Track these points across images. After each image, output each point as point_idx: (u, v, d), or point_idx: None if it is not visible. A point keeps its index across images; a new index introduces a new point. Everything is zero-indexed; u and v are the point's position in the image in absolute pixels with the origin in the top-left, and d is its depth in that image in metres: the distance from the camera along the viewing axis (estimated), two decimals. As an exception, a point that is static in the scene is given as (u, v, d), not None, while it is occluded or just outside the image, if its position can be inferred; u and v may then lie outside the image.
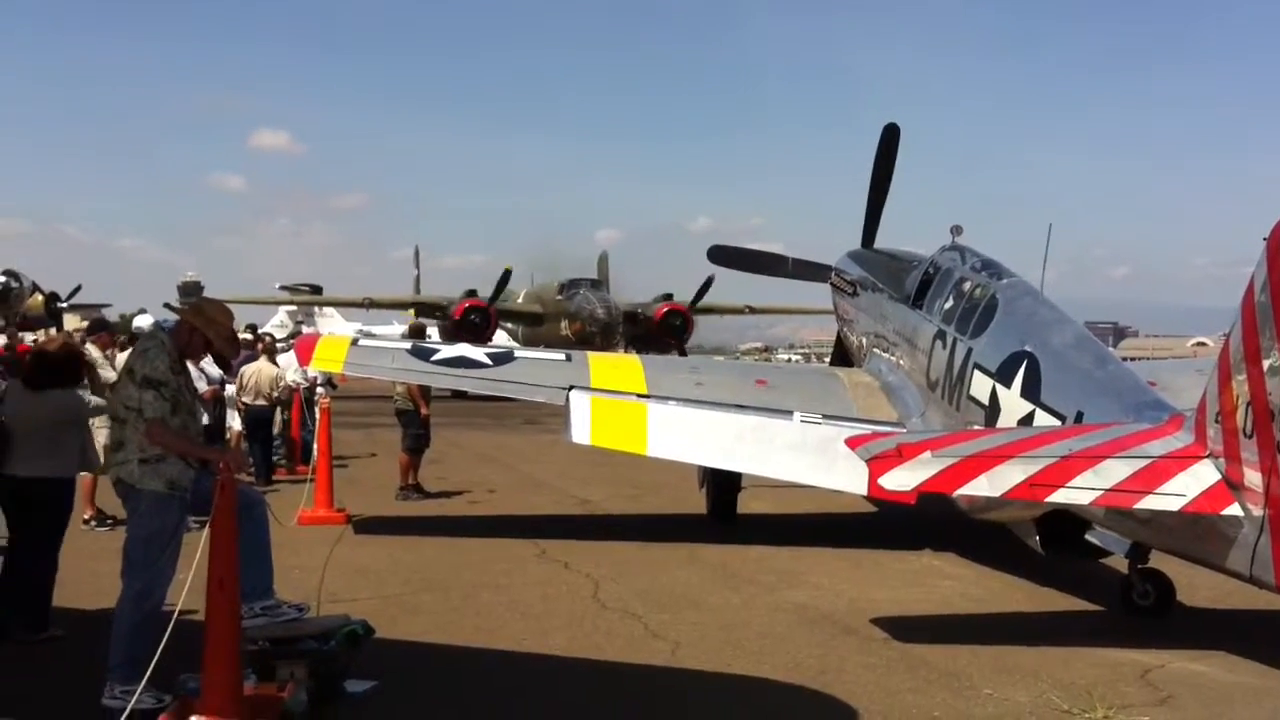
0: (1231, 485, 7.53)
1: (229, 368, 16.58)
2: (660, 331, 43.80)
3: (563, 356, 13.28)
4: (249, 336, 21.14)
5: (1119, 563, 9.58)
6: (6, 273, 46.33)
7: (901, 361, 13.15)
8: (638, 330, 44.35)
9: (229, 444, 16.40)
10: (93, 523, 12.44)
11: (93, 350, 12.63)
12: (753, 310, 51.40)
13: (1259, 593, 7.76)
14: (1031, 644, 8.35)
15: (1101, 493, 7.81)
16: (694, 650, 8.20)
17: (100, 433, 10.06)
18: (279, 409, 18.01)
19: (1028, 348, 10.33)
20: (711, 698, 7.37)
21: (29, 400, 8.51)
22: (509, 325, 45.63)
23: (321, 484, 13.91)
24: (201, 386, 12.56)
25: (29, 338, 28.51)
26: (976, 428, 10.37)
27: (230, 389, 16.83)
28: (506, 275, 41.50)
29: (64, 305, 49.84)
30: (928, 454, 8.11)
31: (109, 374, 11.45)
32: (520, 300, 45.55)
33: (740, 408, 11.78)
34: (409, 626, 8.68)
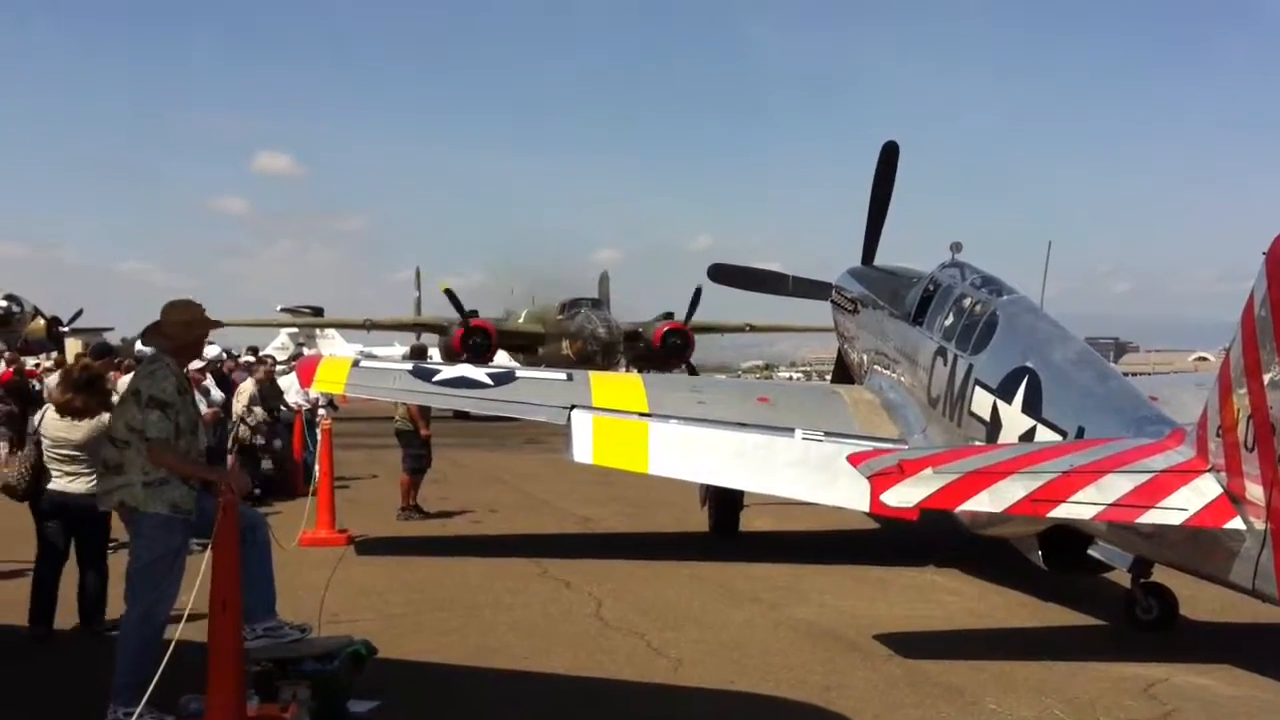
0: (1233, 499, 7.53)
1: (231, 388, 16.66)
2: (661, 351, 43.78)
3: (564, 376, 13.30)
4: (251, 359, 21.19)
5: (1122, 577, 9.58)
6: (8, 297, 46.42)
7: (902, 378, 13.16)
8: (639, 349, 44.35)
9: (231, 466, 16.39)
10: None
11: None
12: (753, 328, 51.39)
13: (1262, 606, 7.76)
14: (1035, 659, 8.35)
15: (1103, 508, 7.81)
16: (697, 668, 8.19)
17: None
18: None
19: (1029, 364, 10.34)
20: (715, 716, 7.37)
21: (63, 425, 8.85)
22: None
23: (323, 505, 13.90)
24: (203, 408, 12.56)
25: (30, 362, 28.57)
26: (978, 444, 10.37)
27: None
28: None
29: (66, 330, 49.89)
30: (929, 470, 8.11)
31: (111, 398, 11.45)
32: (521, 320, 45.60)
33: (742, 426, 11.79)
34: (411, 646, 8.67)
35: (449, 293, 41.89)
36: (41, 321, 48.03)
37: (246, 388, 17.50)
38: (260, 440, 17.32)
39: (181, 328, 7.12)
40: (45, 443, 8.90)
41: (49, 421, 8.93)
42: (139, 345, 20.01)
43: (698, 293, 42.14)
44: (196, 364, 11.98)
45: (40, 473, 8.92)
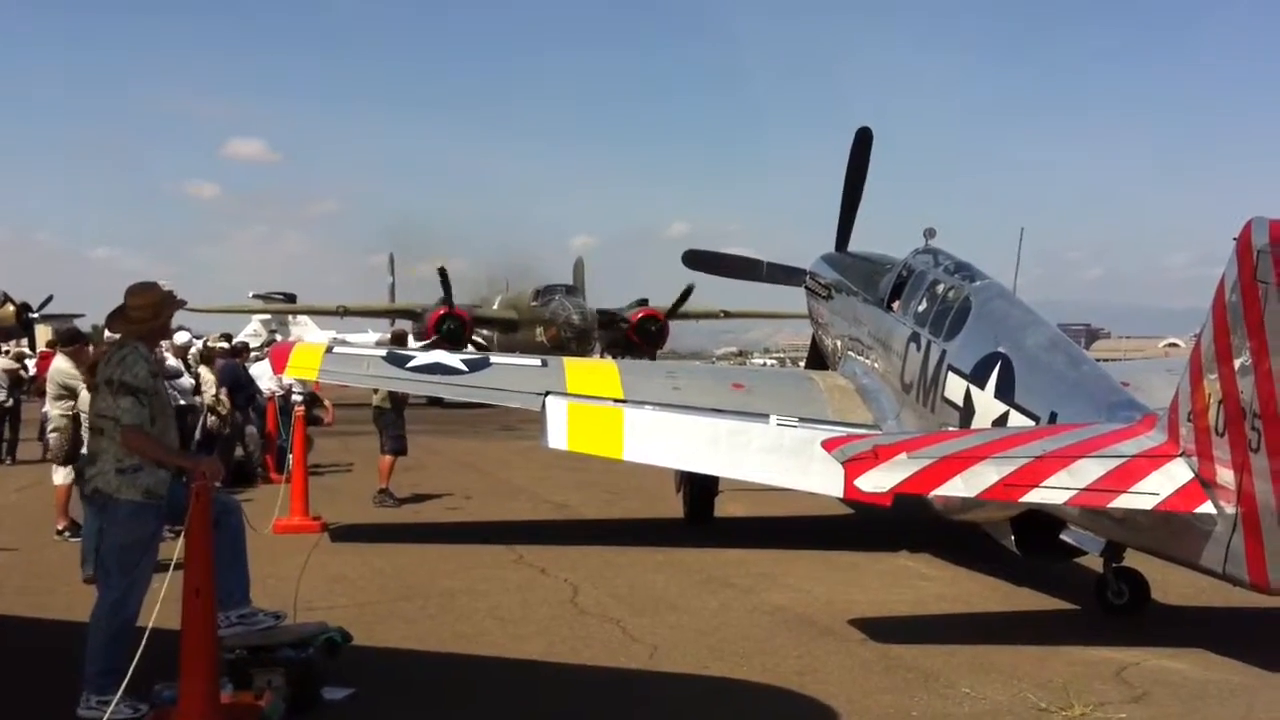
0: (1204, 483, 7.59)
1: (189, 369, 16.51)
2: (636, 337, 43.79)
3: (538, 362, 13.28)
4: (225, 345, 21.05)
5: (1094, 562, 9.63)
6: (-24, 283, 45.84)
7: (876, 364, 13.19)
8: (613, 335, 44.34)
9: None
10: (66, 533, 12.35)
11: (63, 362, 12.50)
12: (728, 315, 51.48)
13: (1233, 590, 7.82)
14: (1008, 643, 8.39)
15: (1076, 492, 7.85)
16: (672, 653, 8.20)
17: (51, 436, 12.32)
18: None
19: (1001, 349, 10.38)
20: (690, 701, 7.37)
21: None
22: (484, 332, 45.58)
23: (297, 492, 13.84)
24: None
25: (-1, 348, 28.34)
26: (951, 429, 10.41)
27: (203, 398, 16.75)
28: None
29: (36, 316, 49.38)
30: (903, 455, 8.13)
31: (80, 385, 11.39)
32: (496, 307, 45.50)
33: (717, 411, 11.80)
34: (386, 633, 8.66)
35: (442, 271, 41.23)
36: (11, 308, 47.46)
37: (206, 374, 17.33)
38: (228, 430, 17.24)
39: (149, 311, 7.03)
40: (83, 418, 10.13)
41: (84, 399, 10.11)
42: (108, 333, 19.82)
43: (688, 290, 42.25)
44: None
45: (77, 444, 10.62)
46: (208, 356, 17.92)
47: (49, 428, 12.52)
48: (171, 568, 5.96)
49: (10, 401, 22.22)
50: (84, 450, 9.54)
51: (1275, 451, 6.99)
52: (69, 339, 13.54)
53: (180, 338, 17.95)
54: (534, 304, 43.06)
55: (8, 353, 25.17)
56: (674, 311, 44.13)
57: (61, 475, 12.19)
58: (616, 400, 11.87)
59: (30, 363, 27.71)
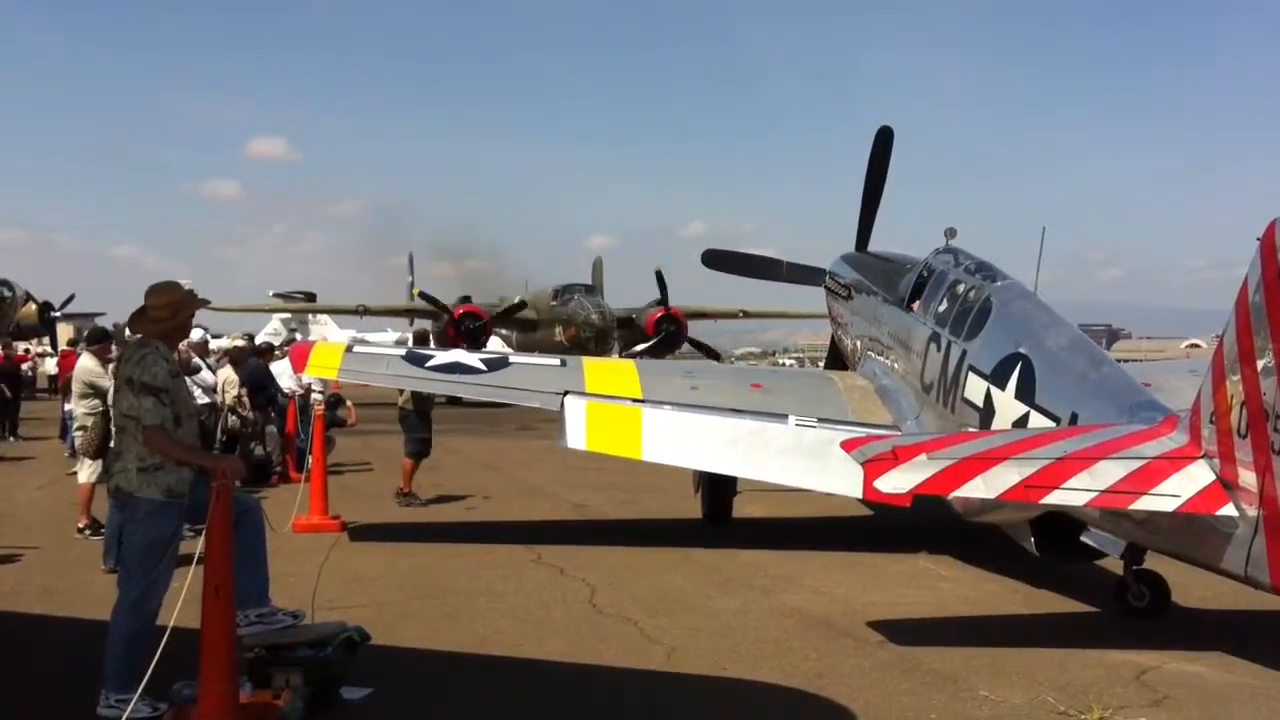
0: (1226, 485, 7.54)
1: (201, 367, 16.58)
2: (654, 336, 43.76)
3: (557, 362, 13.28)
4: (241, 343, 21.13)
5: (1114, 564, 9.59)
6: (0, 282, 46.20)
7: (896, 364, 13.15)
8: (632, 336, 44.34)
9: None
10: (87, 531, 12.41)
11: (88, 361, 12.59)
12: (747, 314, 51.40)
13: (1254, 593, 7.76)
14: (1027, 646, 8.36)
15: (1096, 494, 7.81)
16: (690, 654, 8.19)
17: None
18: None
19: (1022, 350, 10.33)
20: (708, 702, 7.37)
21: None
22: (503, 331, 45.64)
23: (316, 491, 13.88)
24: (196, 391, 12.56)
25: (22, 347, 28.52)
26: (971, 430, 10.38)
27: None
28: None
29: (57, 315, 49.73)
30: (923, 456, 8.10)
31: (106, 383, 11.46)
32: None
33: (735, 412, 11.79)
34: (405, 633, 8.67)
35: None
36: (33, 306, 47.80)
37: (228, 374, 17.40)
38: (250, 430, 17.31)
39: (168, 310, 7.08)
40: (113, 413, 9.46)
41: (114, 396, 9.71)
42: (128, 332, 19.87)
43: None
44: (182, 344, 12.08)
45: (107, 437, 9.86)
46: (237, 358, 17.96)
47: (74, 426, 12.59)
48: (192, 566, 5.98)
49: None
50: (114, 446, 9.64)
51: (1298, 454, 6.94)
52: (95, 338, 13.62)
53: (193, 334, 18.03)
54: (553, 303, 43.13)
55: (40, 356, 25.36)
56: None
57: (86, 472, 12.26)
58: (635, 400, 11.87)
59: (51, 361, 27.89)
